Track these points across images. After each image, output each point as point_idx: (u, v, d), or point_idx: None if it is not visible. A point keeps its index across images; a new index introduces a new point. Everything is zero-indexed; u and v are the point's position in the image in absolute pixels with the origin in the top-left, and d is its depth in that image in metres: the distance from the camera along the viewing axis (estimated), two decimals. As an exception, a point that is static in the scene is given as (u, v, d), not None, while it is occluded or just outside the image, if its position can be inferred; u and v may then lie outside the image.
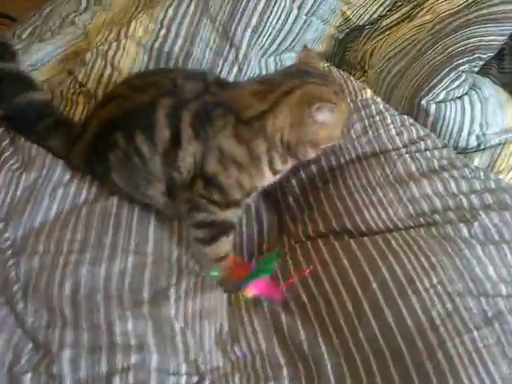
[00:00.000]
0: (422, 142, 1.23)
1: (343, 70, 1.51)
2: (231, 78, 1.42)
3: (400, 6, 1.62)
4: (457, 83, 1.34)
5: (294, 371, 0.94)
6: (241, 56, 1.43)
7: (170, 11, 1.43)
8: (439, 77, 1.34)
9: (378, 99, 1.35)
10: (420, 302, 0.93)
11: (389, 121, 1.27)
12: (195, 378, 0.91)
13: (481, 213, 1.08)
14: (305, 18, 1.49)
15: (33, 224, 1.07)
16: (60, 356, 0.88)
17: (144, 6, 1.54)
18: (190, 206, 1.09)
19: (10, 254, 1.02)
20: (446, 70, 1.34)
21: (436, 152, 1.22)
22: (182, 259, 1.10)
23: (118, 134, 1.09)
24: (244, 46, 1.42)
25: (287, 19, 1.46)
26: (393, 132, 1.25)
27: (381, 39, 1.59)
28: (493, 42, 1.38)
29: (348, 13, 1.63)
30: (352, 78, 1.44)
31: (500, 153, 1.34)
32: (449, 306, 0.92)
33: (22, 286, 0.97)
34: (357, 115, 1.28)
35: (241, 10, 1.42)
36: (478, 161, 1.33)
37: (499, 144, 1.35)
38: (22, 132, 1.24)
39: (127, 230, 1.09)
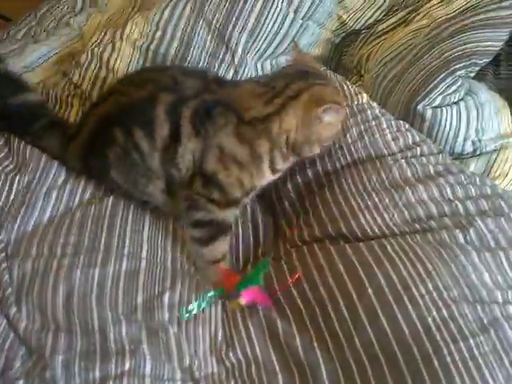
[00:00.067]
0: (417, 148, 1.23)
1: (339, 75, 1.50)
2: (227, 81, 1.42)
3: (396, 10, 1.62)
4: (453, 88, 1.34)
5: (289, 377, 0.93)
6: (237, 59, 1.42)
7: (166, 13, 1.43)
8: (435, 82, 1.34)
9: (374, 104, 1.34)
10: (416, 308, 0.92)
11: (384, 126, 1.26)
12: (190, 385, 0.91)
13: (477, 219, 1.08)
14: (301, 21, 1.49)
15: (26, 227, 1.07)
16: (53, 361, 0.88)
17: (140, 8, 1.54)
18: (189, 204, 1.09)
19: (3, 257, 1.01)
20: (443, 75, 1.34)
21: (432, 158, 1.22)
22: (177, 262, 1.10)
23: (116, 129, 1.09)
24: (240, 50, 1.42)
25: (283, 23, 1.45)
26: (389, 137, 1.24)
27: (377, 44, 1.58)
28: (489, 48, 1.38)
29: (344, 17, 1.63)
30: (348, 83, 1.44)
31: (496, 159, 1.34)
32: (444, 312, 0.91)
33: (15, 289, 0.97)
34: (353, 120, 1.28)
35: (237, 13, 1.42)
36: (473, 166, 1.33)
37: (495, 150, 1.35)
38: (16, 133, 1.24)
39: (121, 233, 1.09)
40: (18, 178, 1.12)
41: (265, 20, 1.42)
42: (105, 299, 0.97)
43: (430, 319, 0.91)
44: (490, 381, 0.84)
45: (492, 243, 1.05)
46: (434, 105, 1.34)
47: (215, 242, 1.09)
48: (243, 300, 1.00)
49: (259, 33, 1.42)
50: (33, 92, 1.36)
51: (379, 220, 1.09)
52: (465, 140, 1.34)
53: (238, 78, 1.43)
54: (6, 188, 1.11)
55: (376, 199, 1.12)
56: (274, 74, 1.19)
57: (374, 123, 1.27)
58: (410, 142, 1.24)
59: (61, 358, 0.88)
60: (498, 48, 1.40)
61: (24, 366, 0.88)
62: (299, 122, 1.07)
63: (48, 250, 1.02)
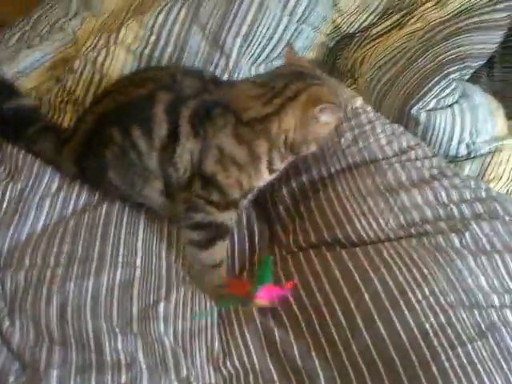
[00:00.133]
0: (412, 151, 1.23)
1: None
2: (221, 86, 1.41)
3: (390, 13, 1.61)
4: (447, 91, 1.34)
5: (287, 386, 0.93)
6: (231, 64, 1.42)
7: (161, 18, 1.42)
8: (430, 85, 1.34)
9: (369, 108, 1.34)
10: (412, 313, 0.92)
11: (379, 130, 1.26)
12: (187, 395, 0.90)
13: (472, 222, 1.08)
14: (295, 25, 1.49)
15: (20, 236, 1.06)
16: (48, 376, 0.86)
17: (134, 12, 1.53)
18: (188, 206, 1.08)
19: None
20: (437, 78, 1.34)
21: (426, 161, 1.21)
22: (172, 269, 1.09)
23: (113, 128, 1.09)
24: (234, 55, 1.41)
25: (278, 27, 1.45)
26: (383, 141, 1.24)
27: (371, 47, 1.58)
28: (483, 50, 1.38)
29: (338, 20, 1.62)
30: (343, 86, 1.43)
31: (490, 161, 1.33)
32: (442, 318, 0.91)
33: (8, 302, 0.96)
34: (347, 124, 1.27)
35: (231, 17, 1.41)
36: (468, 169, 1.32)
37: (489, 152, 1.34)
38: (9, 138, 1.23)
39: (115, 241, 1.08)
40: (10, 185, 1.12)
41: (259, 25, 1.41)
42: (100, 310, 0.96)
43: (427, 325, 0.90)
44: None
45: (488, 247, 1.06)
46: (428, 108, 1.34)
47: (214, 245, 1.08)
48: (261, 301, 0.99)
49: (253, 37, 1.42)
50: (25, 97, 1.36)
51: (374, 225, 1.09)
52: (459, 143, 1.34)
53: (233, 81, 1.43)
54: None
55: (371, 204, 1.12)
56: (269, 75, 1.18)
57: (368, 127, 1.27)
58: (405, 145, 1.24)
59: (56, 372, 0.87)
60: (492, 50, 1.41)
61: (18, 381, 0.86)
62: (297, 122, 1.07)
63: (41, 260, 1.02)
